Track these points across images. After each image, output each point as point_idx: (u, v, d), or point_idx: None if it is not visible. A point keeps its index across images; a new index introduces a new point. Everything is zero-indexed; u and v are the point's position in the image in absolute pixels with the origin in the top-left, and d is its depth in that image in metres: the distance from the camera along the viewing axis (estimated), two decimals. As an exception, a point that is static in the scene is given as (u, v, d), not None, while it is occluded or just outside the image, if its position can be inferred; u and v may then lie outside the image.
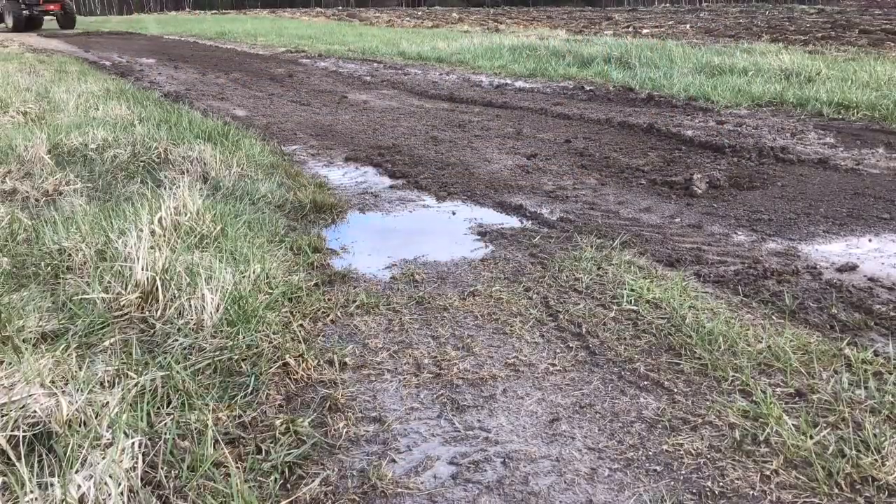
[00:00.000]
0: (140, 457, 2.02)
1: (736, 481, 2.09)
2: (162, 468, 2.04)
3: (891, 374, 2.59)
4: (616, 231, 4.18)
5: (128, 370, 2.50)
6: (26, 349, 2.53)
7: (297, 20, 36.69)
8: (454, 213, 4.73)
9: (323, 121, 8.21)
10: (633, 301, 3.22)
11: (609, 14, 31.37)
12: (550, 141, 6.78)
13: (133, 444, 2.03)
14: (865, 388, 2.49)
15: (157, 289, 3.03)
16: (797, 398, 2.47)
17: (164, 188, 4.41)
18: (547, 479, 2.12)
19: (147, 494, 1.94)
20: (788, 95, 8.65)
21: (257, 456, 2.19)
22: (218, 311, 2.91)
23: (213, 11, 59.82)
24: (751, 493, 2.04)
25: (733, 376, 2.60)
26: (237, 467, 2.09)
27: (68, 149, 5.94)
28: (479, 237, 4.25)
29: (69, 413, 2.12)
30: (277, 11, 50.26)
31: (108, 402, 2.20)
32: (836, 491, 2.03)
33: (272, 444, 2.25)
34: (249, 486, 2.03)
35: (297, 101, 9.83)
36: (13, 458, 1.95)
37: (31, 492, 1.83)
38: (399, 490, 2.09)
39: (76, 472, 1.89)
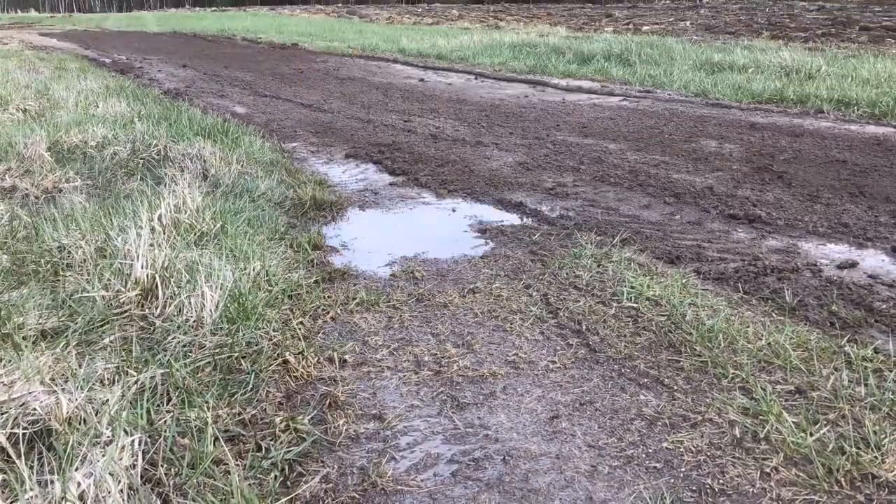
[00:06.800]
0: (140, 454, 2.02)
1: (736, 478, 2.09)
2: (162, 466, 2.04)
3: (891, 371, 2.59)
4: (616, 228, 4.18)
5: (128, 368, 2.49)
6: (26, 347, 2.53)
7: (296, 17, 36.68)
8: (454, 211, 4.73)
9: (323, 118, 8.20)
10: (633, 298, 3.22)
11: (609, 11, 31.31)
12: (550, 138, 6.76)
13: (133, 441, 2.03)
14: (865, 385, 2.49)
15: (156, 286, 3.02)
16: (797, 395, 2.47)
17: (164, 185, 4.41)
18: (547, 477, 2.12)
19: (147, 492, 1.93)
20: (788, 92, 8.65)
21: (257, 453, 2.19)
22: (218, 308, 2.91)
23: (213, 8, 59.80)
24: (751, 490, 2.04)
25: (733, 373, 2.60)
26: (237, 465, 2.09)
27: (68, 146, 5.93)
28: (479, 234, 4.24)
29: (69, 411, 2.11)
30: (277, 8, 50.26)
31: (107, 400, 2.20)
32: (836, 488, 2.03)
33: (272, 442, 2.25)
34: (249, 484, 2.03)
35: (300, 100, 9.81)
36: (13, 455, 1.95)
37: (31, 489, 1.83)
38: (399, 487, 2.09)
39: (76, 469, 1.89)
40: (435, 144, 6.60)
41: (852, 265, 3.62)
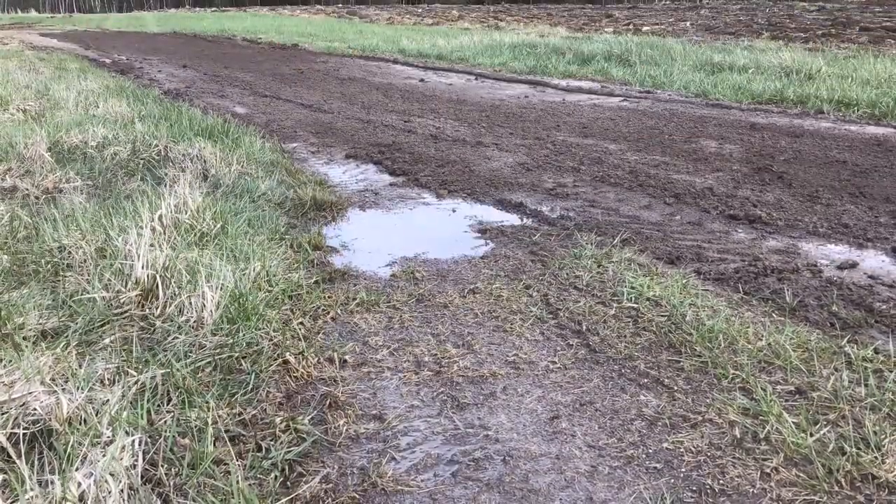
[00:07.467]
0: (140, 454, 2.02)
1: (736, 479, 2.09)
2: (162, 466, 2.04)
3: (891, 371, 2.59)
4: (616, 228, 4.18)
5: (128, 368, 2.49)
6: (26, 347, 2.53)
7: (297, 17, 36.70)
8: (454, 211, 4.73)
9: (323, 118, 8.20)
10: (633, 299, 3.22)
11: (609, 11, 31.33)
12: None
13: (133, 441, 2.03)
14: (865, 385, 2.49)
15: (157, 286, 3.02)
16: (797, 396, 2.47)
17: (165, 186, 4.42)
18: (547, 477, 2.12)
19: (147, 492, 1.93)
20: (789, 93, 8.65)
21: (257, 454, 2.19)
22: (218, 308, 2.91)
23: (213, 9, 59.90)
24: (751, 490, 2.04)
25: (733, 374, 2.60)
26: (237, 465, 2.09)
27: (68, 146, 5.93)
28: (479, 235, 4.24)
29: (69, 411, 2.11)
30: (277, 9, 50.29)
31: (108, 400, 2.20)
32: (836, 488, 2.03)
33: (272, 442, 2.25)
34: (250, 484, 2.03)
35: (300, 101, 9.81)
36: (13, 455, 1.95)
37: (32, 489, 1.83)
38: (399, 488, 2.09)
39: (76, 469, 1.89)
40: (435, 145, 6.60)
41: (852, 266, 3.62)
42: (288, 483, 2.10)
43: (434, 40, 17.48)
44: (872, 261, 3.71)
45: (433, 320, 3.13)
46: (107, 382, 2.40)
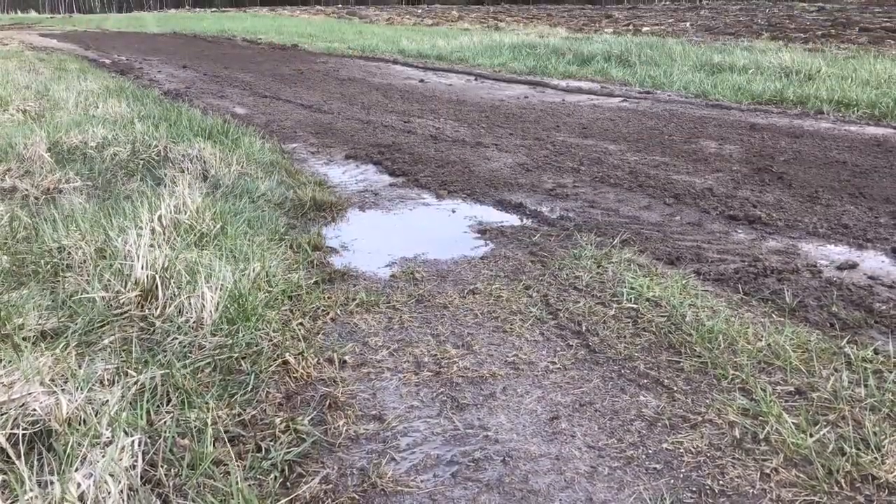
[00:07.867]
0: (140, 455, 2.02)
1: (736, 479, 2.09)
2: (162, 466, 2.04)
3: (891, 372, 2.59)
4: (616, 229, 4.18)
5: (127, 368, 2.49)
6: (26, 347, 2.52)
7: (296, 18, 36.72)
8: (454, 212, 4.73)
9: (323, 119, 8.20)
10: (633, 299, 3.22)
11: (609, 12, 31.35)
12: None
13: (133, 442, 2.03)
14: (865, 386, 2.49)
15: (156, 287, 3.02)
16: (797, 396, 2.47)
17: (164, 186, 4.42)
18: (547, 478, 2.12)
19: (147, 493, 1.93)
20: (788, 93, 8.66)
21: (257, 454, 2.19)
22: (218, 309, 2.91)
23: (213, 9, 59.94)
24: (751, 491, 2.04)
25: (733, 374, 2.60)
26: (237, 465, 2.09)
27: (68, 147, 5.93)
28: (479, 235, 4.24)
29: (69, 411, 2.11)
30: (277, 9, 50.32)
31: (107, 401, 2.20)
32: (836, 489, 2.03)
33: (272, 443, 2.25)
34: (249, 485, 2.03)
35: (300, 101, 9.81)
36: (13, 456, 1.95)
37: (31, 490, 1.83)
38: (399, 488, 2.09)
39: (76, 470, 1.89)
40: (435, 145, 6.60)
41: (852, 266, 3.62)
42: (288, 484, 2.10)
43: (434, 41, 17.49)
44: (872, 261, 3.71)
45: (433, 321, 3.13)
46: (106, 383, 2.40)
